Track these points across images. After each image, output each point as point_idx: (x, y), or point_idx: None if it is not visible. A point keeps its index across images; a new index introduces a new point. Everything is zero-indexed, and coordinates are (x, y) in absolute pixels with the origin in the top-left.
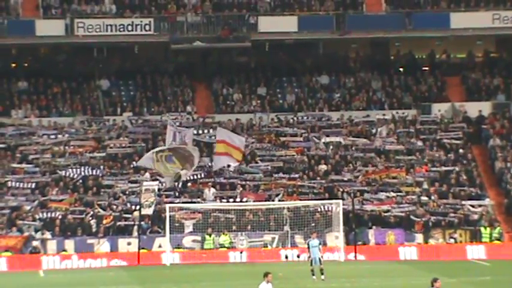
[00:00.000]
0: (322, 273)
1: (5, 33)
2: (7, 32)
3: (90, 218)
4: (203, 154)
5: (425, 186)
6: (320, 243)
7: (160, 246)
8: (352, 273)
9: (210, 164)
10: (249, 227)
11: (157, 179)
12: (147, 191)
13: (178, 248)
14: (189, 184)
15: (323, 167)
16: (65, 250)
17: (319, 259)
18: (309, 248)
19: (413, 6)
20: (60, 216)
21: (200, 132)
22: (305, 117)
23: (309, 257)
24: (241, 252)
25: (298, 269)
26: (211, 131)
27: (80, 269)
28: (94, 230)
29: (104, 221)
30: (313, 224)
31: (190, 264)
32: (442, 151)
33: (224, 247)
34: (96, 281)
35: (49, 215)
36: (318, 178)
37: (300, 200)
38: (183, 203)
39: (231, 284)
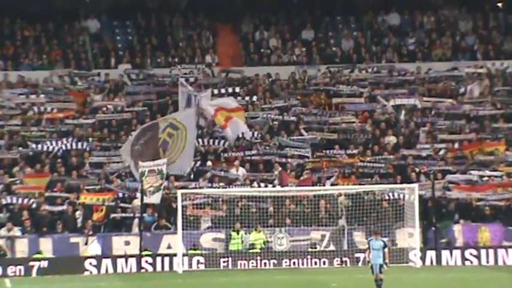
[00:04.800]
0: (378, 286)
1: None
2: None
3: (74, 209)
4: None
5: None
6: (385, 245)
7: (169, 247)
8: (431, 285)
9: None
10: (291, 221)
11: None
12: (151, 173)
13: (195, 249)
14: (209, 163)
15: (392, 139)
16: (39, 252)
17: (380, 266)
18: (370, 249)
19: None
20: (33, 206)
21: (223, 91)
22: (367, 71)
23: (369, 261)
24: (279, 254)
25: (357, 278)
26: (237, 89)
27: (59, 278)
28: (79, 224)
29: (94, 215)
30: (376, 216)
31: (210, 271)
32: None
33: (255, 248)
34: None
35: (18, 203)
36: (386, 154)
37: (361, 184)
38: (200, 188)
39: None
